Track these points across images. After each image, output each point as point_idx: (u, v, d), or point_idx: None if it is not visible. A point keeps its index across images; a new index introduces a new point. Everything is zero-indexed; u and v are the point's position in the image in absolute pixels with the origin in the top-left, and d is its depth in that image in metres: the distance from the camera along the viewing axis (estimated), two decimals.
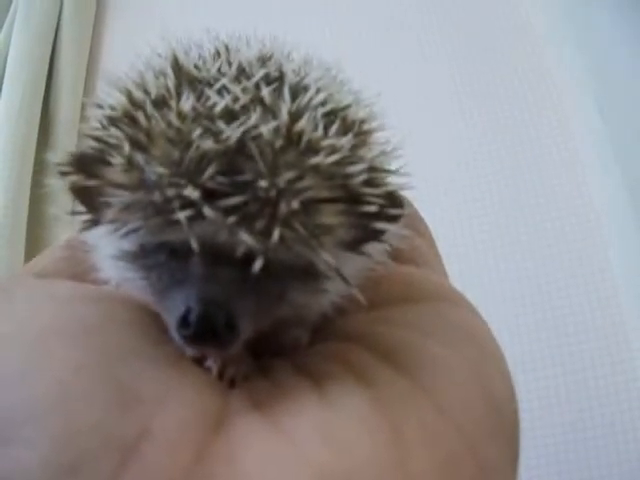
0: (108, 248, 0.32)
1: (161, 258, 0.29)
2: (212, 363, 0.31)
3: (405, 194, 0.32)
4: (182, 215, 0.25)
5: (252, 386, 0.30)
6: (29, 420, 0.23)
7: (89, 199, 0.30)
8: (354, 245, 0.31)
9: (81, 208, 0.30)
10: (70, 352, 0.27)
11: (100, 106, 0.31)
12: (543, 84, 0.99)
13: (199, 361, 0.31)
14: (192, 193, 0.25)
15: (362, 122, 0.31)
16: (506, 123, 0.99)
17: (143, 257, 0.30)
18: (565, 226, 0.90)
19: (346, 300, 0.34)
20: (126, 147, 0.27)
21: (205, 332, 0.26)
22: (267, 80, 0.30)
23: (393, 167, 0.31)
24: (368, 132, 0.32)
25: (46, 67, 1.26)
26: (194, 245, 0.26)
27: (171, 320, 0.28)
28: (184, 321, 0.26)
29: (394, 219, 0.30)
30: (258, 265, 0.26)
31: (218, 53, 0.33)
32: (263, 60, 0.32)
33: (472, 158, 0.98)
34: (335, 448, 0.25)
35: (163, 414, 0.25)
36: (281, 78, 0.30)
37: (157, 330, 0.31)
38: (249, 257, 0.27)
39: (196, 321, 0.26)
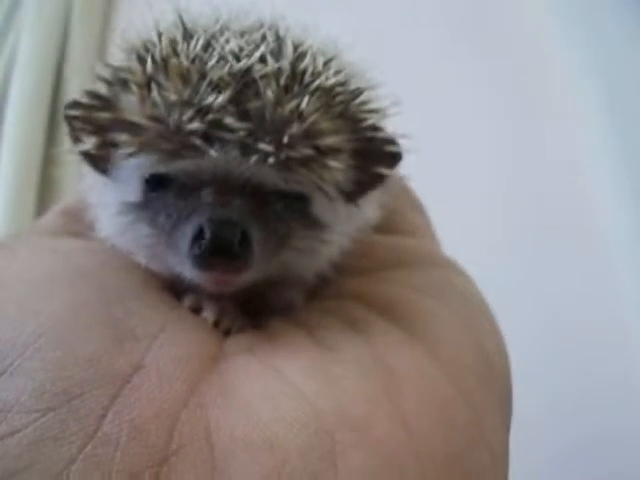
0: (111, 204, 0.33)
1: (168, 199, 0.30)
2: (209, 314, 0.31)
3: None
4: (196, 138, 0.27)
5: (247, 334, 0.31)
6: (26, 353, 0.24)
7: (97, 135, 0.31)
8: (353, 195, 0.33)
9: (93, 147, 0.31)
10: (68, 294, 0.27)
11: (106, 63, 0.32)
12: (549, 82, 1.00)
13: (195, 311, 0.31)
14: (205, 118, 0.27)
15: (357, 67, 0.33)
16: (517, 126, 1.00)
17: (148, 204, 0.31)
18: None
19: (344, 258, 0.35)
20: (140, 82, 0.29)
21: (220, 248, 0.27)
22: (269, 37, 0.32)
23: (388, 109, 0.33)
24: (363, 71, 0.34)
25: (55, 60, 1.26)
26: (207, 167, 0.28)
27: (181, 249, 0.28)
28: (197, 239, 0.27)
29: (391, 159, 0.32)
30: (271, 161, 0.27)
31: (218, 19, 0.35)
32: (261, 26, 0.34)
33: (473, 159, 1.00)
34: (327, 383, 0.25)
35: (157, 350, 0.26)
36: (279, 38, 0.32)
37: (156, 280, 0.32)
38: (258, 188, 0.29)
39: (210, 237, 0.27)
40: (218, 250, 0.27)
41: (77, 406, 0.23)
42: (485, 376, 0.30)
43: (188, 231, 0.28)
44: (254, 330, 0.32)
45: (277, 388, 0.25)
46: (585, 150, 0.92)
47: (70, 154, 0.33)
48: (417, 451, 0.24)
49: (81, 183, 0.37)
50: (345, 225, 0.35)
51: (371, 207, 0.37)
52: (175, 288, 0.32)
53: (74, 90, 1.22)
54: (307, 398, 0.25)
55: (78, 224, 0.36)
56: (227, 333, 0.31)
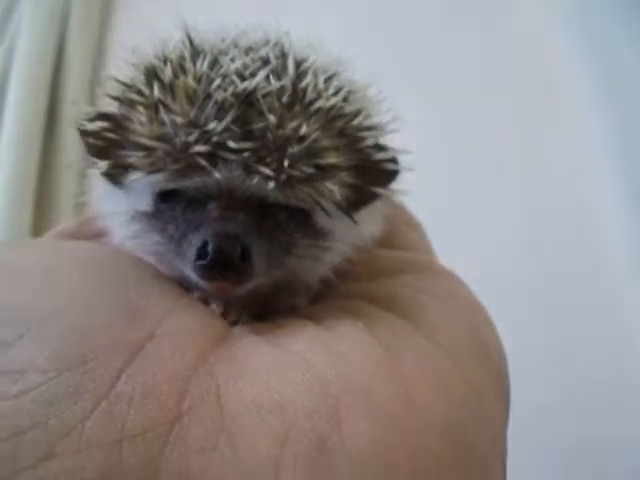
0: (123, 212, 0.34)
1: (177, 211, 0.31)
2: (216, 306, 0.32)
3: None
4: (201, 159, 0.28)
5: (254, 324, 0.32)
6: (43, 320, 0.25)
7: (110, 155, 0.32)
8: (351, 209, 0.34)
9: (108, 169, 0.32)
10: (85, 276, 0.29)
11: (112, 78, 0.33)
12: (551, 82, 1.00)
13: (204, 303, 0.32)
14: (210, 139, 0.28)
15: (358, 84, 0.34)
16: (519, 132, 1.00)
17: (158, 214, 0.32)
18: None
19: (347, 264, 0.37)
20: (148, 103, 0.30)
21: (222, 261, 0.29)
22: (272, 54, 0.33)
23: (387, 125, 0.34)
24: (366, 93, 0.35)
25: (54, 55, 1.26)
26: (212, 185, 0.29)
27: (188, 257, 0.30)
28: (202, 251, 0.29)
29: (389, 176, 0.33)
30: (272, 185, 0.29)
31: (224, 38, 0.36)
32: (267, 42, 0.35)
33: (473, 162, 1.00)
34: (331, 357, 0.27)
35: (169, 324, 0.27)
36: (284, 55, 0.33)
37: (164, 275, 0.33)
38: (261, 202, 0.31)
39: (212, 251, 0.28)
40: (220, 263, 0.29)
41: (92, 367, 0.24)
42: (482, 362, 0.31)
43: (194, 243, 0.29)
44: (260, 322, 0.33)
45: (284, 358, 0.26)
46: (590, 165, 0.91)
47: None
48: (418, 417, 0.26)
49: (91, 193, 0.38)
50: (347, 233, 0.36)
51: (375, 219, 0.38)
52: (183, 285, 0.33)
53: (72, 89, 1.22)
54: (313, 366, 0.26)
55: (92, 229, 0.38)
56: (234, 324, 0.32)
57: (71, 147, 1.12)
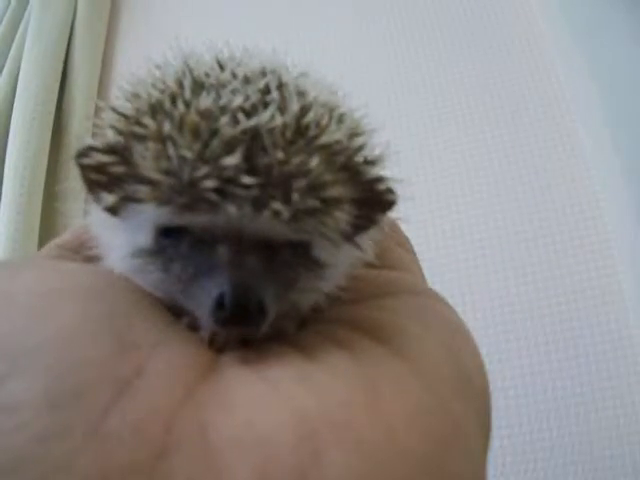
0: (121, 245, 0.34)
1: (182, 249, 0.31)
2: (204, 332, 0.32)
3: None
4: (211, 194, 0.29)
5: (240, 351, 0.32)
6: (33, 356, 0.25)
7: (113, 189, 0.32)
8: (351, 234, 0.35)
9: (104, 197, 0.32)
10: (73, 306, 0.29)
11: (115, 109, 0.33)
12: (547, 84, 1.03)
13: (192, 329, 0.33)
14: (219, 175, 0.29)
15: (358, 118, 0.36)
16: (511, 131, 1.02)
17: (160, 251, 0.32)
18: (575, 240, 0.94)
19: (337, 291, 0.37)
20: (153, 137, 0.30)
21: (240, 314, 0.29)
22: (272, 85, 0.33)
23: (386, 160, 0.35)
24: (363, 125, 0.36)
25: (59, 73, 1.27)
26: (221, 222, 0.29)
27: (202, 305, 0.30)
28: (219, 305, 0.29)
29: (388, 206, 0.35)
30: (284, 217, 0.29)
31: (222, 66, 0.36)
32: (264, 73, 0.36)
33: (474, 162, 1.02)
34: (313, 392, 0.27)
35: (157, 357, 0.28)
36: (282, 85, 0.34)
37: (156, 301, 0.33)
38: (270, 242, 0.31)
39: (231, 305, 0.29)
40: (238, 316, 0.29)
41: (82, 403, 0.24)
42: (464, 391, 0.32)
43: (208, 291, 0.30)
44: (247, 348, 0.33)
45: (267, 393, 0.27)
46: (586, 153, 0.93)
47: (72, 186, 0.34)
48: (399, 451, 0.26)
49: (86, 218, 0.38)
50: (342, 261, 0.37)
51: (365, 244, 0.39)
52: (174, 311, 0.34)
53: (77, 105, 1.23)
54: (295, 402, 0.27)
55: (87, 250, 0.38)
56: (221, 351, 0.33)
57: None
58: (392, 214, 0.37)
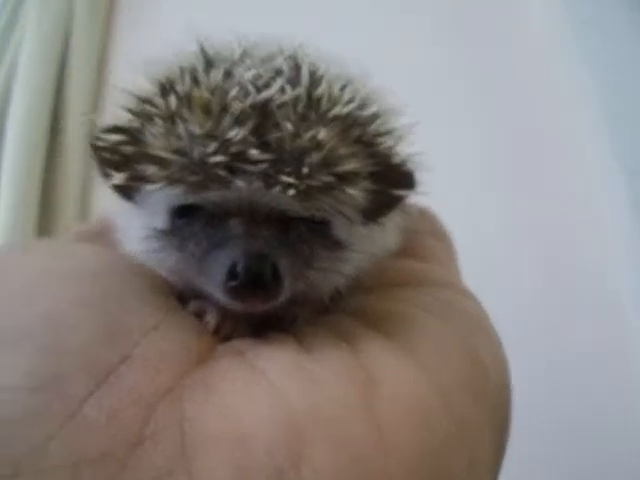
0: (138, 229, 0.34)
1: (196, 227, 0.31)
2: (210, 319, 0.32)
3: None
4: (220, 170, 0.28)
5: (241, 340, 0.31)
6: (19, 338, 0.25)
7: (125, 169, 0.32)
8: (372, 216, 0.34)
9: (122, 181, 0.32)
10: (67, 289, 0.29)
11: (128, 91, 0.33)
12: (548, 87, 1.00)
13: (198, 316, 0.32)
14: (228, 150, 0.28)
15: (372, 91, 0.34)
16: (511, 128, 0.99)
17: (175, 231, 0.32)
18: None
19: (360, 276, 0.36)
20: (164, 116, 0.30)
21: (253, 282, 0.28)
22: (286, 65, 0.33)
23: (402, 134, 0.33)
24: (378, 94, 0.34)
25: (57, 65, 1.29)
26: (232, 198, 0.29)
27: (215, 276, 0.29)
28: (232, 274, 0.28)
29: (405, 180, 0.33)
30: (292, 193, 0.28)
31: (237, 49, 0.36)
32: (280, 53, 0.35)
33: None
34: (305, 384, 0.26)
35: (147, 344, 0.27)
36: (297, 66, 0.33)
37: (163, 286, 0.33)
38: (282, 215, 0.30)
39: (244, 271, 0.28)
40: (252, 284, 0.28)
41: (61, 388, 0.24)
42: (476, 389, 0.30)
43: (221, 262, 0.29)
44: (250, 337, 0.32)
45: (256, 386, 0.26)
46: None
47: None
48: (386, 454, 0.25)
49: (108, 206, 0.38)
50: (365, 245, 0.35)
51: (392, 231, 0.38)
52: (182, 295, 0.33)
53: (76, 95, 1.24)
54: (283, 396, 0.25)
55: (100, 240, 0.38)
56: (228, 339, 0.32)
57: (75, 154, 1.14)
58: (418, 198, 0.35)
